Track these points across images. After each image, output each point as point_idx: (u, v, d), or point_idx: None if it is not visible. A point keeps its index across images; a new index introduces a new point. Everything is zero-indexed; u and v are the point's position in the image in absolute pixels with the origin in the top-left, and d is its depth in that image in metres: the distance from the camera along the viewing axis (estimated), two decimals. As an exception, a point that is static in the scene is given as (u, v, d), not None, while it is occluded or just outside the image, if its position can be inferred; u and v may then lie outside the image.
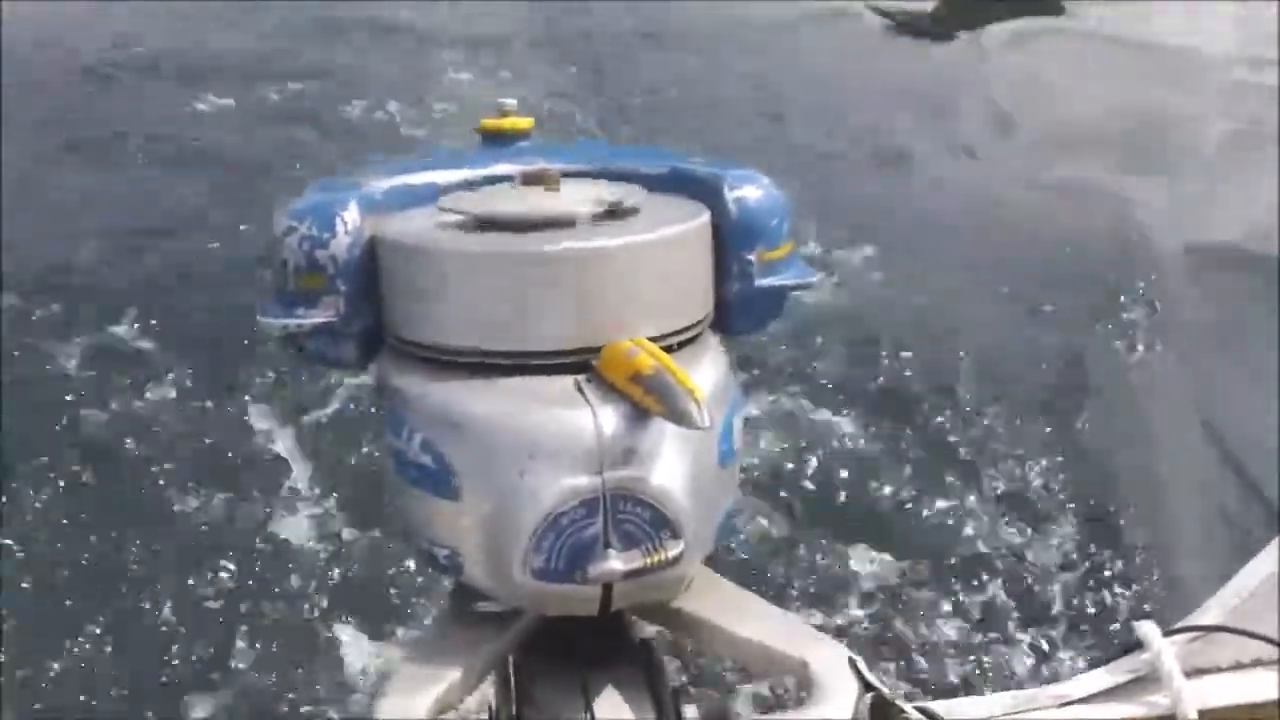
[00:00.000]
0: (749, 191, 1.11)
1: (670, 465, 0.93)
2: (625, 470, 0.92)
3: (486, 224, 1.03)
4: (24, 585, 3.45)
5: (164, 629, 3.33)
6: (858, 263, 5.43)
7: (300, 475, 3.92)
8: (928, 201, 6.24)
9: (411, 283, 1.02)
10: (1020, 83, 8.25)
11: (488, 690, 1.07)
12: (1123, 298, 5.28)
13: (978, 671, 3.27)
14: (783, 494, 3.86)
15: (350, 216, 1.05)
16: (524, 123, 1.23)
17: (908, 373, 4.57)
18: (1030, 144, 7.19)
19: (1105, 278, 5.46)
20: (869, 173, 6.52)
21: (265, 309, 1.08)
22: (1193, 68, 8.28)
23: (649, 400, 0.92)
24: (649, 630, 1.10)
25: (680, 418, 0.90)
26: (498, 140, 1.23)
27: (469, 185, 1.15)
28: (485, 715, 1.07)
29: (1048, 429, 4.30)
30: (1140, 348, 4.94)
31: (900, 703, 0.93)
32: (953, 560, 3.64)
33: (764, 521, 3.71)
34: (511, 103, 1.23)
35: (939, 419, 4.31)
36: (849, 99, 7.72)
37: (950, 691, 3.08)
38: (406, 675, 0.97)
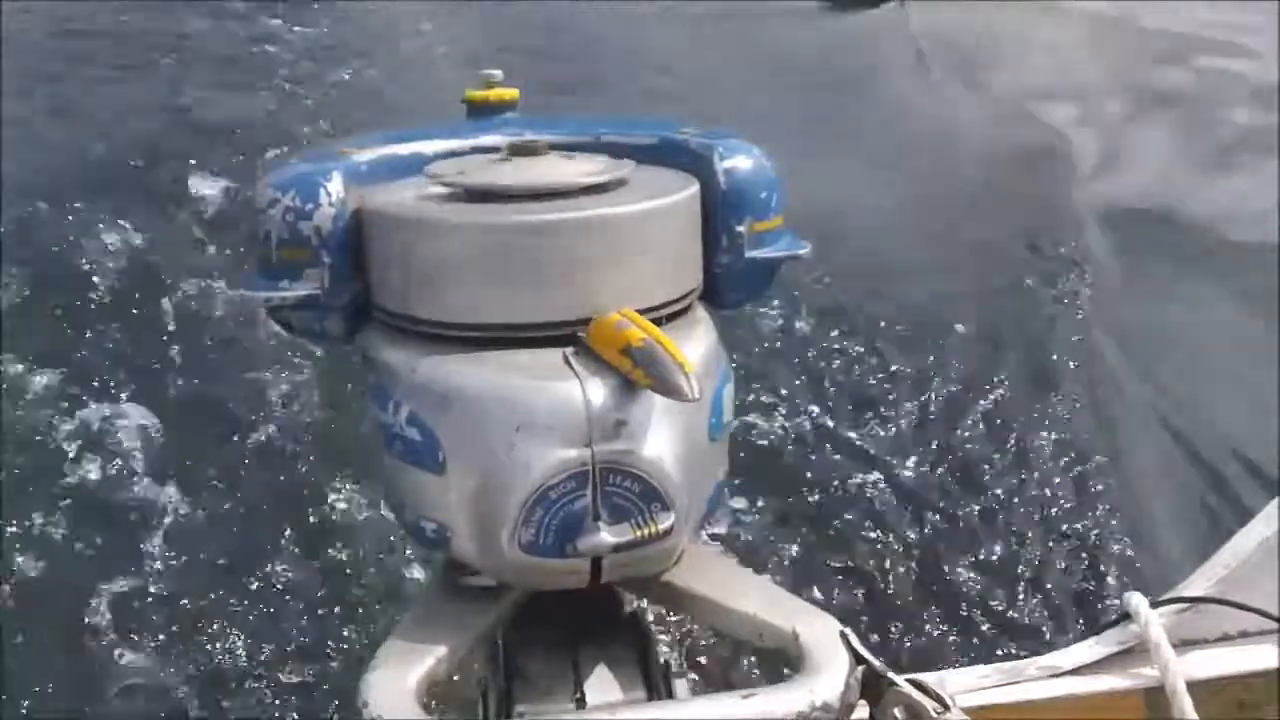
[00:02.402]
0: (739, 162, 1.10)
1: (660, 438, 0.93)
2: (615, 443, 0.91)
3: (473, 195, 1.01)
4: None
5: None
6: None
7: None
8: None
9: (397, 255, 1.01)
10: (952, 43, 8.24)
11: (478, 665, 1.07)
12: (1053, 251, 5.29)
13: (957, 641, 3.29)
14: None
15: (334, 187, 1.04)
16: (509, 93, 1.22)
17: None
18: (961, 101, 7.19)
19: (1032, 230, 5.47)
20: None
21: (248, 281, 1.07)
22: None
23: (638, 373, 0.91)
24: (639, 603, 1.09)
25: (671, 391, 0.89)
26: (483, 111, 1.21)
27: (455, 156, 1.13)
28: (475, 690, 1.07)
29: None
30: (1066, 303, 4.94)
31: (891, 675, 0.93)
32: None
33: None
34: (497, 74, 1.22)
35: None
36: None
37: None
38: (395, 651, 0.96)
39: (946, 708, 0.90)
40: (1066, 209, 5.74)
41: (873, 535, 3.65)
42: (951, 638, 3.31)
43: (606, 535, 0.91)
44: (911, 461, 3.96)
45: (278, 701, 3.08)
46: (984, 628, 3.35)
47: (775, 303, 4.43)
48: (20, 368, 3.92)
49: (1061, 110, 6.99)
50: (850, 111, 6.89)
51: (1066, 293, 4.97)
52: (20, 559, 3.34)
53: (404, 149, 1.14)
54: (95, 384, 3.90)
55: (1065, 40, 8.23)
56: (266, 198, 1.04)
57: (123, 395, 3.88)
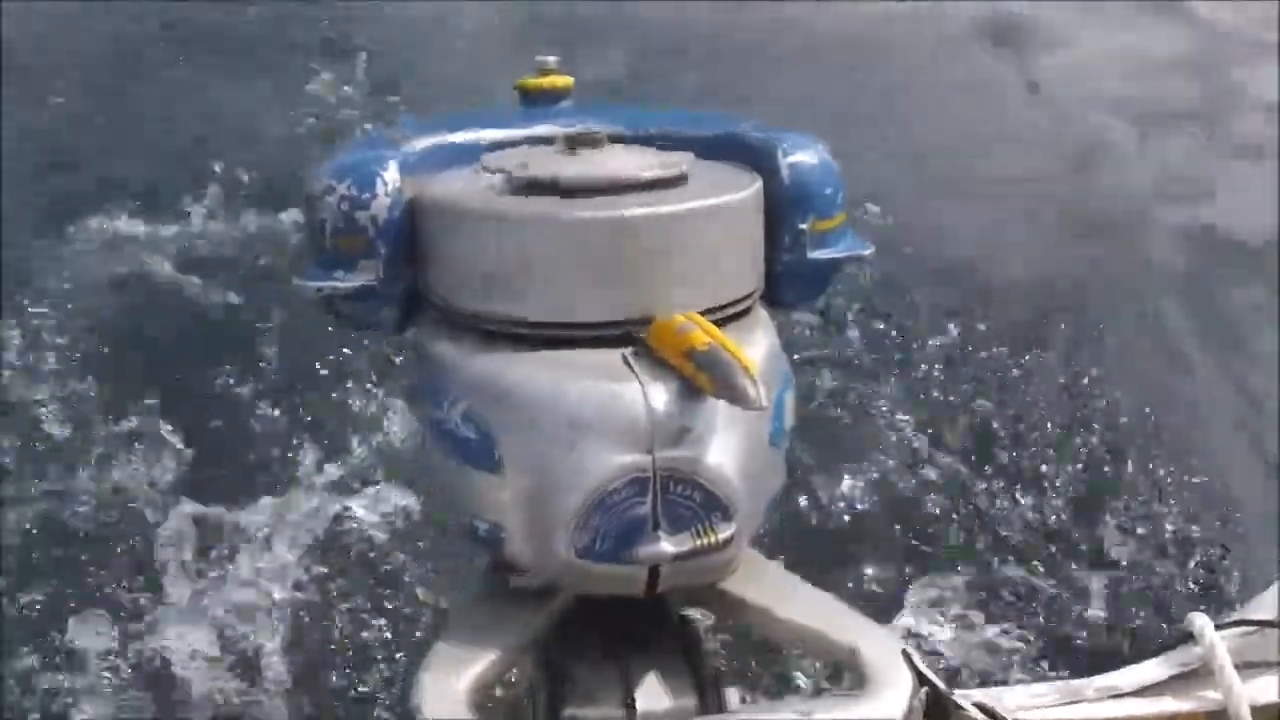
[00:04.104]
0: (804, 158, 1.07)
1: (723, 445, 0.90)
2: (677, 450, 0.88)
3: (531, 187, 0.99)
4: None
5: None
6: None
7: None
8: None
9: (453, 247, 0.99)
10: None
11: (526, 668, 1.05)
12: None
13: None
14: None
15: (391, 176, 1.01)
16: (564, 81, 1.19)
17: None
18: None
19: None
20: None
21: (302, 270, 1.05)
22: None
23: (702, 378, 0.88)
24: (690, 610, 1.06)
25: (737, 397, 0.86)
26: (538, 100, 1.19)
27: (511, 146, 1.11)
28: (523, 693, 1.05)
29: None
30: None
31: (958, 698, 0.89)
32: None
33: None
34: (552, 60, 1.19)
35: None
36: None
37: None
38: (445, 654, 0.94)
39: None
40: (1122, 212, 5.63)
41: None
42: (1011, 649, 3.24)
43: (667, 545, 0.88)
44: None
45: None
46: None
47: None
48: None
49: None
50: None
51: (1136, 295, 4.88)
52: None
53: (458, 137, 1.11)
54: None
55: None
56: (321, 186, 1.02)
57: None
